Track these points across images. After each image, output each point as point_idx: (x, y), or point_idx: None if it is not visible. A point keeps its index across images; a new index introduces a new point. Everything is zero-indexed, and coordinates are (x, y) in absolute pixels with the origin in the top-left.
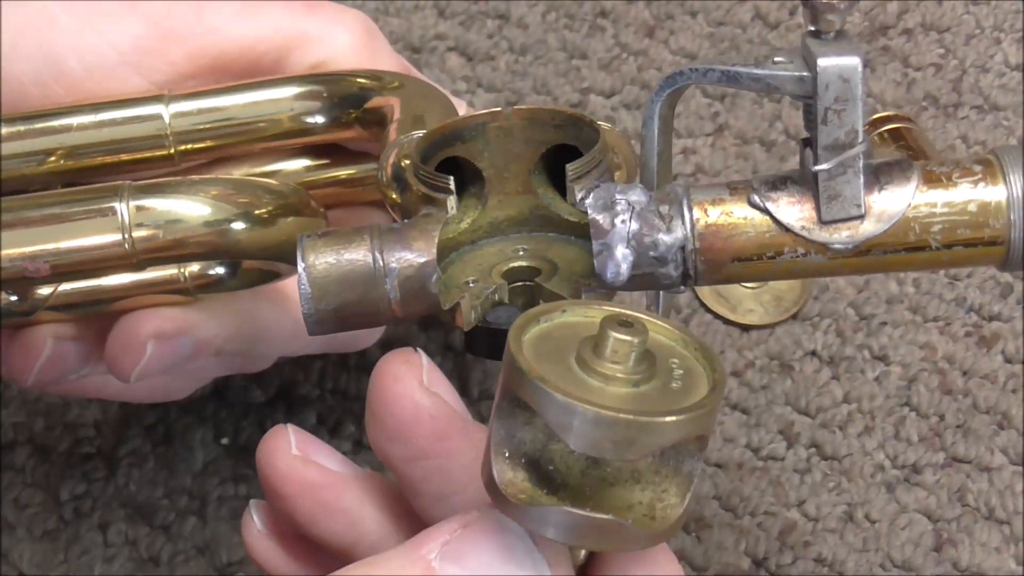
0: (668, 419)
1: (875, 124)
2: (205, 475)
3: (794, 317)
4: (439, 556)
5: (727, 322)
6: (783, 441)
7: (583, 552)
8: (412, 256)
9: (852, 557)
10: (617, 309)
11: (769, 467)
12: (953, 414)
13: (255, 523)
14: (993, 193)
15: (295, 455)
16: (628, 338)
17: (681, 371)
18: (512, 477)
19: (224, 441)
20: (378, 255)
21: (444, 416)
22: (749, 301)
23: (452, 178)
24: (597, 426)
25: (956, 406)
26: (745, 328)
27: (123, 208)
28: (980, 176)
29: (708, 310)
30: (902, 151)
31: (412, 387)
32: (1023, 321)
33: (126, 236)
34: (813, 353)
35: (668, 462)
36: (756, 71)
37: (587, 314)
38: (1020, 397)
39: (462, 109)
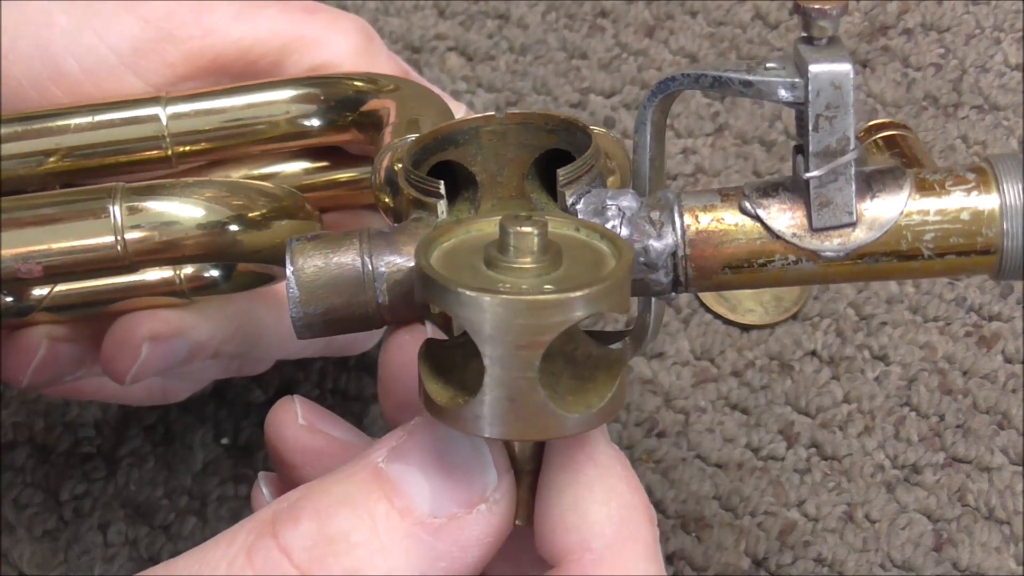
0: (576, 294)
1: (870, 131)
2: (205, 475)
3: (794, 317)
4: (386, 459)
5: (727, 322)
6: (783, 441)
7: (527, 454)
8: (401, 260)
9: (852, 557)
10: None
11: (769, 467)
12: (953, 414)
13: (264, 495)
14: (986, 201)
15: (302, 425)
16: (527, 229)
17: (589, 258)
18: (441, 388)
19: (224, 441)
20: (367, 259)
21: None
22: (749, 301)
23: (442, 182)
24: (508, 312)
25: (956, 406)
26: (745, 328)
27: (116, 210)
28: (973, 184)
29: (708, 310)
30: (896, 159)
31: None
32: (1023, 321)
33: (119, 238)
34: (813, 353)
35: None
36: (747, 77)
37: (493, 225)
38: (1020, 397)
39: (460, 112)
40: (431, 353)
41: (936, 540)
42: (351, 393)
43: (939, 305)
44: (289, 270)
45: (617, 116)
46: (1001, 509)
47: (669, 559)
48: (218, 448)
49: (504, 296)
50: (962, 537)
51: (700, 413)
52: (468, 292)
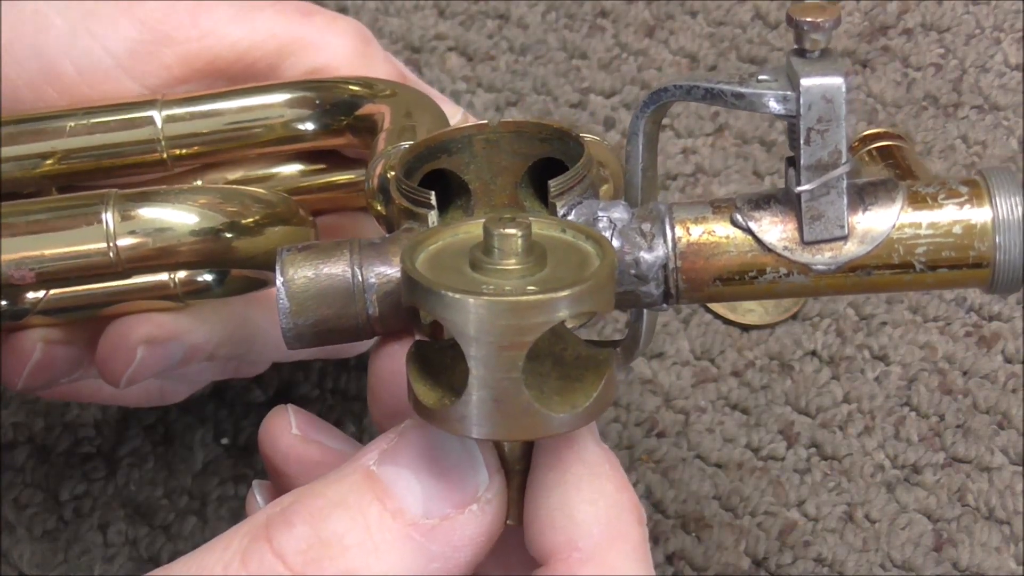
0: (557, 294)
1: (864, 141)
2: (205, 475)
3: (794, 317)
4: (377, 462)
5: (727, 322)
6: (783, 441)
7: (516, 453)
8: (392, 271)
9: (852, 557)
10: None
11: (769, 467)
12: (953, 414)
13: (258, 503)
14: (979, 215)
15: (296, 434)
16: (511, 231)
17: (575, 259)
18: (429, 390)
19: (224, 441)
20: (357, 270)
21: None
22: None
23: (433, 193)
24: (491, 313)
25: (956, 406)
26: (745, 328)
27: (108, 216)
28: (966, 198)
29: (708, 310)
30: (890, 170)
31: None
32: (1023, 321)
33: (111, 244)
34: (813, 353)
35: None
36: (739, 89)
37: (480, 228)
38: (1020, 397)
39: (458, 115)
40: (420, 355)
41: (936, 540)
42: (351, 393)
43: (939, 305)
44: (279, 281)
45: (617, 116)
46: (1001, 509)
47: (669, 559)
48: (218, 448)
49: (486, 297)
50: (962, 537)
51: (700, 413)
52: (451, 294)
